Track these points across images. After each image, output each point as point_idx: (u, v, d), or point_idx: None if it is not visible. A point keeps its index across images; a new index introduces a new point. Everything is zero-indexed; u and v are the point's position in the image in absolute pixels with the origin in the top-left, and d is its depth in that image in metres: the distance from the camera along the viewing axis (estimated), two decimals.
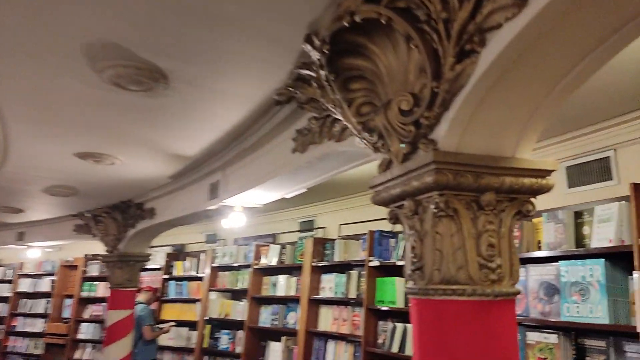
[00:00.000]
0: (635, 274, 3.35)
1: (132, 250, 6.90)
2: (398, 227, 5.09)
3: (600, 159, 4.37)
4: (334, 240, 6.81)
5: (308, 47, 2.31)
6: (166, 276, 9.28)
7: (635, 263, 3.38)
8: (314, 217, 7.70)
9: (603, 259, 3.71)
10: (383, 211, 2.29)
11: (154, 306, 8.93)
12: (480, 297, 1.85)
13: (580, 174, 4.56)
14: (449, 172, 1.84)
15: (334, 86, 2.35)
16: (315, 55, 2.32)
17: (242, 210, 4.79)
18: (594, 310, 3.71)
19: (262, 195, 4.49)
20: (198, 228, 9.22)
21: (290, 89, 2.74)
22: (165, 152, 4.23)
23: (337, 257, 6.56)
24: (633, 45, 1.71)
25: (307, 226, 7.76)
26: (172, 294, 9.17)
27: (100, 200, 6.36)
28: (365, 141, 2.38)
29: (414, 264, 2.01)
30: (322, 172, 3.57)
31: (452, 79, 1.76)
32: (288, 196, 4.49)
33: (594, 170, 4.44)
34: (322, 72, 2.37)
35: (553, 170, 1.99)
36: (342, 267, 6.53)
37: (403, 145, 2.04)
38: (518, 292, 1.96)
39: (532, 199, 2.02)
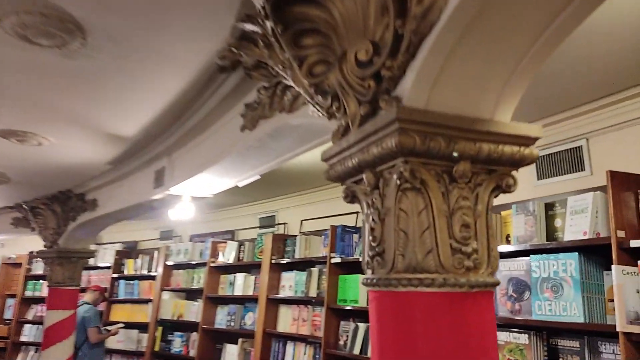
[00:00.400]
0: (613, 268, 3.10)
1: (74, 246, 6.34)
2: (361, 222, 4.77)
3: (572, 148, 4.15)
4: (295, 236, 6.43)
5: None
6: (116, 275, 8.69)
7: (613, 257, 3.14)
8: (275, 212, 7.30)
9: (577, 253, 3.47)
10: (346, 206, 1.93)
11: (102, 307, 8.33)
12: (452, 289, 1.51)
13: (551, 165, 4.33)
14: (415, 134, 1.49)
15: (283, 42, 1.97)
16: (258, 3, 1.94)
17: (191, 200, 4.35)
18: (568, 308, 3.46)
19: (212, 183, 4.07)
20: (152, 224, 8.68)
21: (234, 49, 2.35)
22: (99, 131, 3.76)
23: (298, 254, 6.19)
24: (604, 29, 1.40)
25: (268, 222, 7.35)
26: (122, 294, 8.59)
27: (37, 190, 5.79)
28: (318, 107, 2.02)
29: (373, 249, 1.65)
30: (275, 154, 3.19)
31: (420, 15, 1.41)
32: (241, 184, 4.08)
33: (565, 161, 4.21)
34: (268, 24, 1.99)
35: (537, 138, 1.67)
36: (303, 265, 6.16)
37: (362, 105, 1.68)
38: (497, 283, 1.63)
39: (514, 172, 1.69)
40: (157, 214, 6.51)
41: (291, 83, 2.18)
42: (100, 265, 8.97)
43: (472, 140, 1.58)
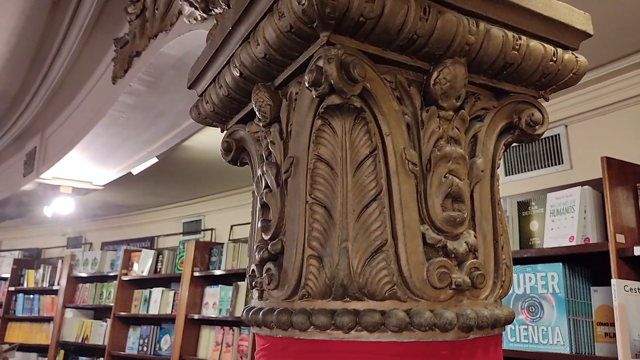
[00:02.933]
0: (614, 284, 2.37)
1: None
2: None
3: (548, 137, 3.46)
4: (222, 244, 5.48)
5: None
6: (13, 288, 7.35)
7: (613, 268, 2.42)
8: (201, 216, 6.30)
9: (561, 264, 2.73)
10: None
11: None
12: (428, 334, 0.65)
13: (522, 158, 3.64)
14: None
15: None
16: None
17: (70, 192, 3.32)
18: (549, 334, 2.72)
19: (96, 169, 3.08)
20: (59, 229, 7.43)
21: None
22: None
23: (225, 266, 5.24)
24: None
25: (193, 227, 6.34)
26: (20, 311, 7.26)
27: None
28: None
29: (263, 246, 0.78)
30: (164, 123, 2.27)
31: None
32: (135, 171, 3.13)
33: (540, 152, 3.52)
34: None
35: (587, 35, 0.86)
36: (231, 278, 5.21)
37: None
38: (512, 318, 0.79)
39: (541, 100, 0.88)
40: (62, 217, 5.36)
41: None
42: None
43: (473, 15, 0.74)
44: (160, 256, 6.01)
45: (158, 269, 5.97)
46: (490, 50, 0.75)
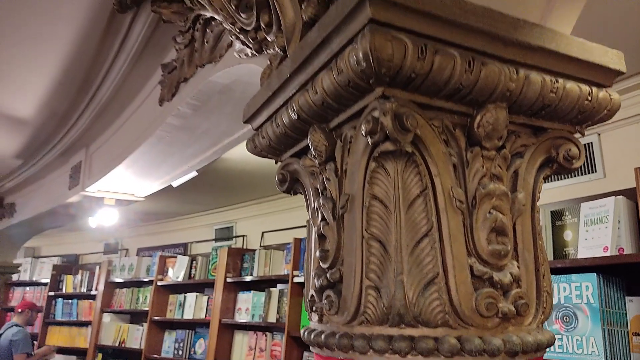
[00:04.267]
0: None
1: None
2: None
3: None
4: (253, 251, 5.60)
5: None
6: (52, 293, 7.64)
7: None
8: (233, 223, 6.44)
9: (595, 274, 2.74)
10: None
11: (37, 328, 7.30)
12: (477, 359, 0.72)
13: None
14: (405, 37, 0.71)
15: None
16: None
17: (115, 204, 3.48)
18: (584, 344, 2.72)
19: (138, 182, 3.23)
20: (96, 235, 7.69)
21: None
22: None
23: (257, 272, 5.35)
24: None
25: (225, 234, 6.48)
26: (59, 315, 7.54)
27: None
28: (243, 36, 1.23)
29: (322, 274, 0.86)
30: (208, 139, 2.39)
31: None
32: (175, 184, 3.26)
33: None
34: None
35: (619, 73, 0.92)
36: (263, 284, 5.32)
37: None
38: (553, 342, 0.85)
39: (577, 134, 0.94)
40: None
41: (208, 9, 1.40)
42: (35, 280, 7.90)
43: (512, 63, 0.81)
44: (194, 262, 6.17)
45: (192, 275, 6.13)
46: (530, 94, 0.82)
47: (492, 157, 0.82)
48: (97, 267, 7.17)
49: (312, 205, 0.95)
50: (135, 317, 6.84)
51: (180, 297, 6.20)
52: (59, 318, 7.52)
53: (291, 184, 1.05)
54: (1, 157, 3.73)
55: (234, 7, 1.20)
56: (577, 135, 0.93)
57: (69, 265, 7.96)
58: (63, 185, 3.66)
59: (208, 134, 2.29)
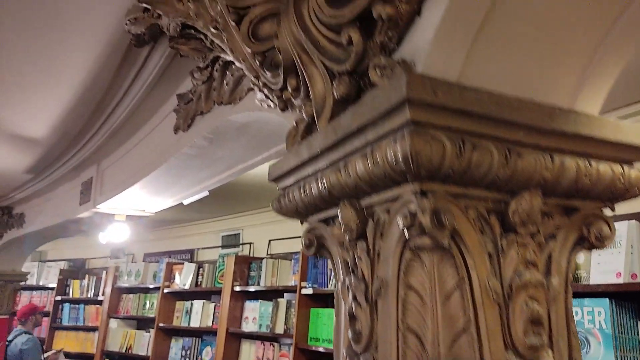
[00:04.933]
0: None
1: (2, 268, 5.39)
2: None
3: None
4: (261, 259, 5.61)
5: None
6: (59, 297, 7.67)
7: None
8: (240, 230, 6.45)
9: (608, 299, 2.73)
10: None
11: (43, 333, 7.33)
12: None
13: None
14: (444, 135, 0.71)
15: None
16: None
17: (125, 220, 3.49)
18: None
19: (150, 200, 3.23)
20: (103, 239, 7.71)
21: (146, 5, 1.55)
22: (4, 133, 2.91)
23: (264, 282, 5.35)
24: None
25: (232, 241, 6.49)
26: (66, 320, 7.57)
27: None
28: (267, 90, 1.23)
29: (354, 356, 0.86)
30: (223, 165, 2.39)
31: None
32: (186, 202, 3.26)
33: None
34: None
35: None
36: (270, 294, 5.32)
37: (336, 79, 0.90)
38: None
39: (607, 212, 0.93)
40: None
41: (229, 55, 1.40)
42: (42, 285, 7.94)
43: (548, 151, 0.81)
44: (201, 269, 6.18)
45: (199, 282, 6.14)
46: (564, 181, 0.81)
47: (526, 244, 0.81)
48: (104, 272, 7.20)
49: (342, 279, 0.95)
50: (142, 323, 6.86)
51: (187, 304, 6.21)
52: (65, 323, 7.56)
53: (318, 249, 1.04)
54: (11, 172, 3.74)
55: (258, 63, 1.19)
56: (608, 210, 0.93)
57: (76, 269, 7.99)
58: (73, 199, 3.66)
59: (222, 160, 2.29)
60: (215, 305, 5.92)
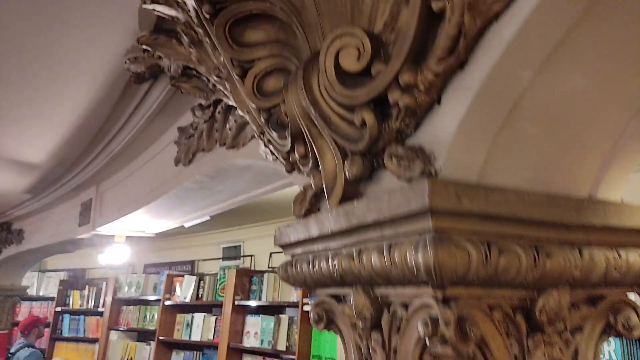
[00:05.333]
0: None
1: (2, 282, 5.35)
2: None
3: None
4: (263, 272, 5.55)
5: None
6: (59, 308, 7.61)
7: None
8: (241, 242, 6.39)
9: None
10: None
11: (42, 344, 7.27)
12: None
13: None
14: (470, 245, 0.66)
15: (214, 35, 1.14)
16: None
17: (124, 240, 3.44)
18: None
19: (150, 223, 3.18)
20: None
21: (147, 47, 1.50)
22: (1, 157, 2.86)
23: (266, 296, 5.29)
24: None
25: (232, 253, 6.44)
26: (66, 331, 7.51)
27: None
28: (271, 148, 1.18)
29: None
30: (225, 196, 2.34)
31: None
32: (187, 224, 3.21)
33: None
34: (190, 4, 1.16)
35: None
36: (272, 309, 5.27)
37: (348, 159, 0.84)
38: None
39: (632, 298, 0.88)
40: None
41: (233, 103, 1.34)
42: (42, 295, 7.89)
43: (576, 245, 0.75)
44: (202, 282, 6.12)
45: (200, 295, 6.08)
46: (594, 276, 0.76)
47: (553, 342, 0.76)
48: (104, 282, 7.14)
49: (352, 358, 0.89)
50: (143, 335, 6.80)
51: (188, 316, 6.15)
52: (66, 334, 7.49)
53: (328, 324, 0.99)
54: (10, 192, 3.69)
55: (263, 119, 1.14)
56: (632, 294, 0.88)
57: (75, 280, 7.93)
58: (72, 220, 3.61)
59: (224, 192, 2.24)
60: (216, 319, 5.86)
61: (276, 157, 1.18)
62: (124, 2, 1.37)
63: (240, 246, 6.37)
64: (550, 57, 0.62)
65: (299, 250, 1.00)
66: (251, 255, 6.27)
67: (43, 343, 7.51)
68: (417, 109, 0.71)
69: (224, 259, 6.49)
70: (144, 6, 1.31)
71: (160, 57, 1.54)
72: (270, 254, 5.98)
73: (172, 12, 1.31)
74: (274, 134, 1.11)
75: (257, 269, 5.99)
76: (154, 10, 1.33)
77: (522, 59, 0.61)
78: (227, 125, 1.57)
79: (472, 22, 0.61)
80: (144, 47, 1.51)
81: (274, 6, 1.08)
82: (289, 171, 1.10)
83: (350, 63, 0.79)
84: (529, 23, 0.57)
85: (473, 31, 0.62)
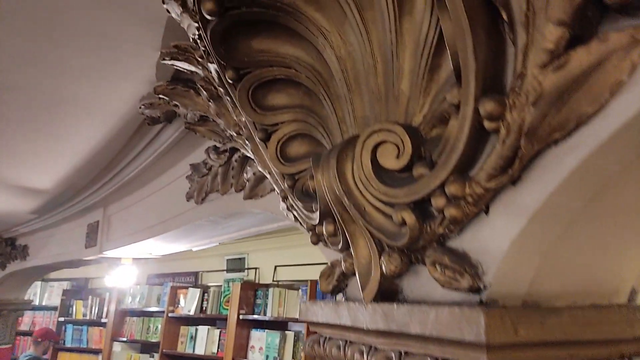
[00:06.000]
0: None
1: (5, 296, 5.32)
2: None
3: None
4: (267, 286, 5.52)
5: (175, 8, 1.05)
6: (62, 318, 7.59)
7: None
8: (245, 255, 6.36)
9: None
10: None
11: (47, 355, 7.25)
12: None
13: None
14: None
15: (236, 98, 1.11)
16: (189, 25, 1.07)
17: (131, 262, 3.41)
18: None
19: (159, 246, 3.15)
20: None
21: (164, 97, 1.47)
22: (11, 185, 2.83)
23: (271, 312, 5.26)
24: None
25: (237, 265, 6.41)
26: (69, 341, 7.49)
27: None
28: (295, 214, 1.15)
29: None
30: (234, 229, 2.31)
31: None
32: (196, 249, 3.18)
33: None
34: (212, 67, 1.13)
35: None
36: (277, 324, 5.24)
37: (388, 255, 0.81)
38: None
39: None
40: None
41: (254, 162, 1.31)
42: (45, 305, 7.86)
43: (625, 357, 0.72)
44: (206, 294, 6.10)
45: (204, 308, 6.05)
46: None
47: None
48: (107, 293, 7.11)
49: None
50: (146, 347, 6.78)
51: (192, 329, 6.13)
52: (68, 344, 7.47)
53: None
54: (17, 213, 3.67)
55: (287, 186, 1.11)
56: None
57: (78, 289, 7.90)
58: (79, 240, 3.58)
59: (236, 226, 2.21)
60: (220, 332, 5.84)
61: (299, 222, 1.15)
62: (143, 54, 1.34)
63: (244, 258, 6.34)
64: (608, 186, 0.59)
65: (327, 331, 0.97)
66: (256, 268, 6.24)
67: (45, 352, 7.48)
68: (464, 218, 0.68)
69: (228, 270, 6.46)
70: (163, 62, 1.28)
71: (176, 105, 1.51)
72: (275, 267, 5.96)
73: (191, 68, 1.28)
74: (299, 204, 1.08)
75: (261, 281, 5.96)
76: (172, 65, 1.30)
77: (582, 188, 0.58)
78: (245, 174, 1.54)
79: (530, 146, 0.57)
80: (160, 95, 1.47)
81: (300, 73, 1.05)
82: (314, 243, 1.07)
83: (389, 161, 0.76)
84: (594, 154, 0.54)
85: (529, 155, 0.58)
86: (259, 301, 5.54)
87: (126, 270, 3.48)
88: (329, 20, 0.92)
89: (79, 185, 2.79)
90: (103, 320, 7.06)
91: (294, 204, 1.12)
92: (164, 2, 1.00)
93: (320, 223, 1.00)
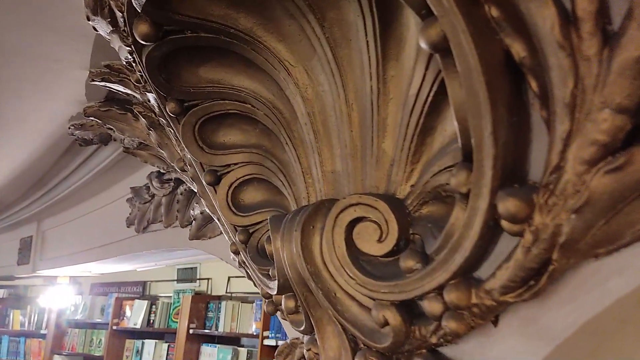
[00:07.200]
0: None
1: None
2: None
3: None
4: (220, 298, 5.30)
5: (103, 27, 0.85)
6: None
7: None
8: (197, 264, 6.07)
9: None
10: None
11: None
12: None
13: None
14: None
15: (179, 133, 0.92)
16: (120, 48, 0.87)
17: (68, 281, 3.12)
18: None
19: (98, 265, 2.88)
20: None
21: (96, 119, 1.25)
22: None
23: (223, 326, 5.04)
24: None
25: (188, 275, 6.11)
26: (4, 354, 6.96)
27: None
28: (250, 272, 0.98)
29: None
30: (182, 255, 2.10)
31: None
32: (140, 269, 2.94)
33: None
34: (150, 97, 0.93)
35: None
36: (230, 340, 5.03)
37: None
38: None
39: None
40: None
41: (202, 204, 1.13)
42: None
43: None
44: (154, 306, 5.80)
45: (151, 321, 5.75)
46: None
47: None
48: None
49: None
50: None
51: (138, 343, 5.81)
52: (4, 357, 6.95)
53: None
54: None
55: (238, 240, 0.93)
56: None
57: (17, 298, 7.37)
58: (10, 255, 3.26)
59: (184, 254, 2.00)
60: (168, 346, 5.56)
61: (253, 283, 0.98)
62: (67, 73, 1.12)
63: (196, 268, 6.06)
64: None
65: None
66: (208, 279, 5.98)
67: None
68: (466, 331, 0.52)
69: (178, 281, 6.16)
70: (92, 82, 1.07)
71: (112, 129, 1.30)
72: (229, 277, 5.72)
73: (127, 91, 1.08)
74: (254, 265, 0.90)
75: (214, 293, 5.71)
76: (104, 86, 1.09)
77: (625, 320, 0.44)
78: (191, 211, 1.34)
79: (565, 261, 0.43)
80: (92, 118, 1.26)
81: (256, 109, 0.88)
82: (271, 313, 0.90)
83: (369, 245, 0.59)
84: None
85: (563, 270, 0.44)
86: (210, 314, 5.32)
87: (62, 289, 3.18)
88: (293, 54, 0.75)
89: (9, 199, 2.50)
90: (43, 331, 6.59)
91: (247, 262, 0.94)
92: (88, 19, 0.80)
93: (279, 294, 0.83)
